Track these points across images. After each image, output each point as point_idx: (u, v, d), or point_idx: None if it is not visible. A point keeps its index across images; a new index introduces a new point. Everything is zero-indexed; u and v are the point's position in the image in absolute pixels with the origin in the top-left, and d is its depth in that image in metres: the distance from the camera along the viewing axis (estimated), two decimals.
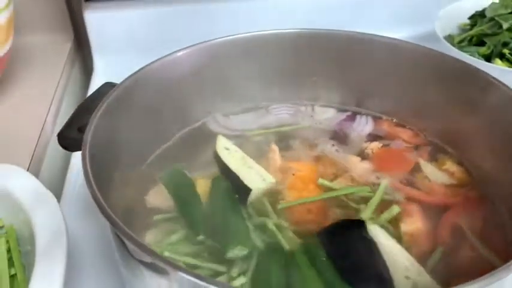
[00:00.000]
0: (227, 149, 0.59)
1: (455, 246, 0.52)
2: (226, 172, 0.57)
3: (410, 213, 0.54)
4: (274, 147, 0.62)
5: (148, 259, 0.38)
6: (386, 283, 0.45)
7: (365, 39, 0.67)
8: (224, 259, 0.49)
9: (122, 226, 0.39)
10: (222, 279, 0.48)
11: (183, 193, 0.56)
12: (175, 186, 0.57)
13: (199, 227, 0.52)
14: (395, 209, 0.54)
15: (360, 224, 0.50)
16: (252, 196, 0.55)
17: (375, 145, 0.65)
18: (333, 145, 0.64)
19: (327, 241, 0.49)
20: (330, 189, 0.57)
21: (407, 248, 0.50)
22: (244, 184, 0.55)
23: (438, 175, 0.61)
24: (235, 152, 0.59)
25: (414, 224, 0.53)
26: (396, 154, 0.64)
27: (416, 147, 0.65)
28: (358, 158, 0.61)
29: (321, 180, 0.57)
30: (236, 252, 0.49)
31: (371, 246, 0.47)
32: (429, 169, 0.62)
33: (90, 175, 0.43)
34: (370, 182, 0.58)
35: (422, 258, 0.49)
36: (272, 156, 0.61)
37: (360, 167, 0.59)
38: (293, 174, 0.59)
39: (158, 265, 0.38)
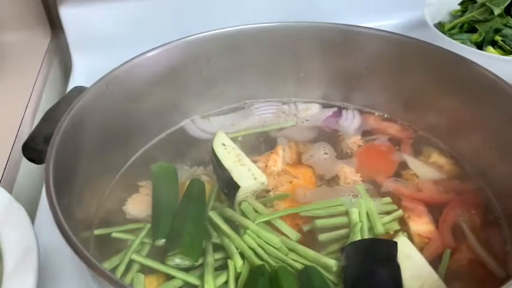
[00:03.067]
0: (224, 145, 0.57)
1: (457, 247, 0.50)
2: (218, 168, 0.55)
3: (419, 214, 0.52)
4: (279, 150, 0.60)
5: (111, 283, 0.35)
6: None
7: (351, 31, 0.64)
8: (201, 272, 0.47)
9: (84, 252, 0.36)
10: None
11: (163, 192, 0.55)
12: (159, 182, 0.56)
13: (163, 230, 0.51)
14: (398, 213, 0.52)
15: (393, 246, 0.47)
16: (240, 193, 0.53)
17: (356, 139, 0.62)
18: (325, 153, 0.61)
19: (352, 256, 0.46)
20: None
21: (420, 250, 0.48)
22: (234, 181, 0.53)
23: (427, 171, 0.59)
24: (232, 148, 0.57)
25: (426, 225, 0.51)
26: (381, 153, 0.61)
27: (398, 142, 0.62)
28: (351, 169, 0.58)
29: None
30: (177, 261, 0.48)
31: (397, 271, 0.45)
32: (416, 165, 0.59)
33: (54, 198, 0.40)
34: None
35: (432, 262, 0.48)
36: (274, 158, 0.58)
37: (350, 178, 0.56)
38: (290, 182, 0.56)
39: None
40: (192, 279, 0.46)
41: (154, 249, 0.50)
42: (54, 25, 1.00)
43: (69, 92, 0.55)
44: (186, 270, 0.47)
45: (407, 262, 0.46)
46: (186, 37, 0.60)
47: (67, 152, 0.47)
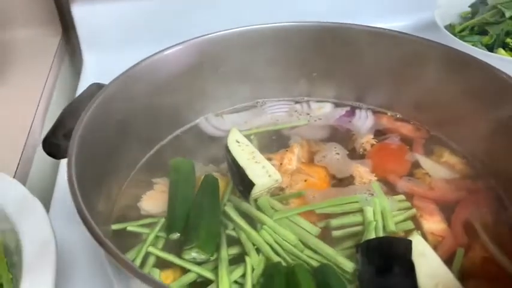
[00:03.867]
0: (238, 142, 0.57)
1: (469, 246, 0.51)
2: (233, 165, 0.55)
3: (431, 212, 0.53)
4: (295, 148, 0.60)
5: (134, 277, 0.36)
6: None
7: (363, 31, 0.64)
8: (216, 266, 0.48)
9: (108, 244, 0.37)
10: None
11: (179, 187, 0.55)
12: (176, 176, 0.56)
13: (178, 224, 0.51)
14: (412, 211, 0.53)
15: (407, 244, 0.47)
16: (255, 191, 0.53)
17: (369, 138, 0.63)
18: (337, 153, 0.61)
19: (366, 255, 0.47)
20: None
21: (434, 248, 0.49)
22: (249, 178, 0.53)
23: (438, 170, 0.59)
24: (245, 146, 0.57)
25: (438, 223, 0.52)
26: (394, 153, 0.62)
27: (410, 142, 0.63)
28: (366, 169, 0.58)
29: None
30: (193, 255, 0.48)
31: (411, 270, 0.45)
32: (429, 164, 0.60)
33: (77, 190, 0.40)
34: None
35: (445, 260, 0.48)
36: (289, 156, 0.59)
37: (366, 177, 0.57)
38: (305, 181, 0.57)
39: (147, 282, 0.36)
40: (207, 274, 0.47)
41: (168, 243, 0.51)
42: (65, 22, 1.00)
43: (87, 88, 0.55)
44: (201, 264, 0.48)
45: (421, 261, 0.47)
46: (206, 35, 0.61)
47: (86, 148, 0.48)
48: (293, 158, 0.59)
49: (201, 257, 0.48)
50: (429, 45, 0.61)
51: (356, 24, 0.64)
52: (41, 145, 0.76)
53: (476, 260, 0.49)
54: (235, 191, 0.56)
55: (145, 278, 0.35)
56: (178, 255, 0.49)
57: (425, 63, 0.62)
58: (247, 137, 0.61)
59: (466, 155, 0.61)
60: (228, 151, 0.56)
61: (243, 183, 0.54)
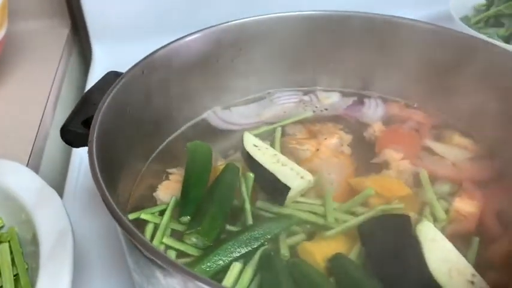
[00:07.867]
0: (256, 146, 0.54)
1: (495, 236, 0.50)
2: (257, 170, 0.52)
3: (472, 196, 0.52)
4: (334, 138, 0.59)
5: (160, 263, 0.35)
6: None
7: (376, 19, 0.64)
8: None
9: (133, 230, 0.36)
10: None
11: (195, 171, 0.53)
12: (193, 160, 0.55)
13: (190, 207, 0.50)
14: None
15: (406, 220, 0.47)
16: (291, 194, 0.50)
17: (378, 127, 0.62)
18: (350, 142, 0.60)
19: (367, 235, 0.46)
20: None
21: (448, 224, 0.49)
22: (282, 183, 0.50)
23: (453, 152, 0.59)
24: (265, 149, 0.54)
25: (471, 206, 0.51)
26: (404, 138, 0.61)
27: (417, 130, 0.62)
28: (400, 155, 0.57)
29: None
30: (193, 240, 0.47)
31: (414, 243, 0.45)
32: (441, 148, 0.59)
33: (99, 175, 0.40)
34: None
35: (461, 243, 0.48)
36: (327, 144, 0.57)
37: (402, 164, 0.56)
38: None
39: (170, 270, 0.36)
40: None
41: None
42: (74, 14, 1.00)
43: (104, 76, 0.55)
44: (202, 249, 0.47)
45: (432, 245, 0.46)
46: (217, 25, 0.60)
47: (105, 136, 0.47)
48: (330, 146, 0.57)
49: (199, 243, 0.47)
50: (440, 32, 0.61)
51: (369, 13, 0.64)
52: (51, 135, 0.76)
53: (499, 251, 0.48)
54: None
55: (176, 267, 0.35)
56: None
57: (438, 50, 0.61)
58: (271, 132, 0.60)
59: (484, 140, 0.60)
60: (249, 157, 0.53)
61: (276, 189, 0.51)
